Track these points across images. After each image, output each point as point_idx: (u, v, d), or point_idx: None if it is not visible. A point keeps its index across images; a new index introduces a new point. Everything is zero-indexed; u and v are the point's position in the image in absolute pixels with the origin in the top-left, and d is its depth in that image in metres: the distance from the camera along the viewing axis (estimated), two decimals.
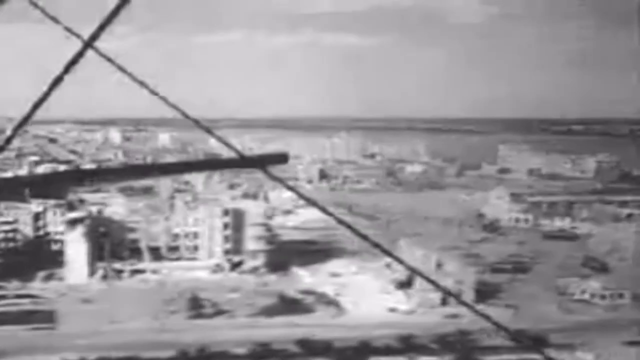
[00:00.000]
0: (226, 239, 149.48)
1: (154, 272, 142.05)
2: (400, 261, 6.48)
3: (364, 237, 6.07)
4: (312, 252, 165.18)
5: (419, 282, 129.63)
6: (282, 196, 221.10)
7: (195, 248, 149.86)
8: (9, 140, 5.69)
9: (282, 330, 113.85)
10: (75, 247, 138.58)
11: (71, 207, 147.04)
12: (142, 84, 5.77)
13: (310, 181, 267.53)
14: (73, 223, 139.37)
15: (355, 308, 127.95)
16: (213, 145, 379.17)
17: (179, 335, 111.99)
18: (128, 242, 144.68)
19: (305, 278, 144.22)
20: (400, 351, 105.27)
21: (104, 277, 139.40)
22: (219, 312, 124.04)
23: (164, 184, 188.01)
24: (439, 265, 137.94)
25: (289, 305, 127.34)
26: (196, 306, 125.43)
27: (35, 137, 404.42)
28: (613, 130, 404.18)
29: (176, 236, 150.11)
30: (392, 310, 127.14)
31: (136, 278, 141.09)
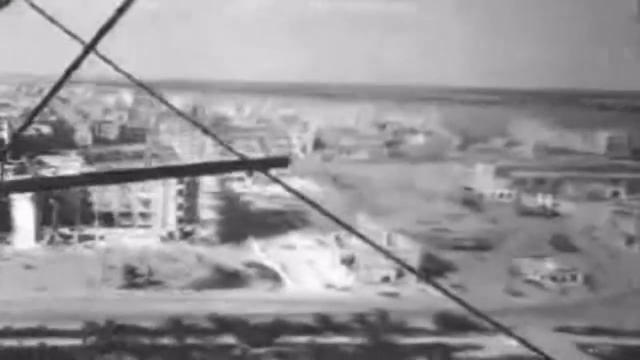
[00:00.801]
0: (180, 207, 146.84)
1: (102, 238, 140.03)
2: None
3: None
4: (276, 223, 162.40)
5: (363, 259, 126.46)
6: None
7: (149, 215, 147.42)
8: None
9: (206, 304, 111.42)
10: (23, 211, 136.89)
11: (23, 170, 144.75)
12: None
13: (303, 149, 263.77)
14: None
15: (294, 283, 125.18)
16: (223, 110, 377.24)
17: (103, 305, 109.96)
18: (79, 207, 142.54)
19: (256, 250, 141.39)
20: (314, 330, 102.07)
21: (51, 242, 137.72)
22: (152, 283, 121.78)
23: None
24: (389, 242, 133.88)
25: (225, 278, 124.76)
26: (131, 276, 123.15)
27: (59, 98, 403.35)
28: (630, 104, 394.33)
29: (130, 203, 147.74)
30: (330, 286, 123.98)
31: (83, 244, 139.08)
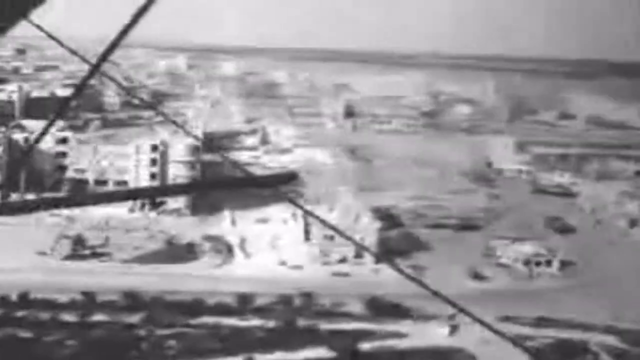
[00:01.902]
0: (153, 176, 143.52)
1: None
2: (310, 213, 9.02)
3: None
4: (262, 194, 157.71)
5: (317, 236, 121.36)
6: (282, 132, 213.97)
7: (124, 184, 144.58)
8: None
9: (136, 278, 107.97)
10: None
11: None
12: None
13: (334, 118, 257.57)
14: None
15: (246, 259, 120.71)
16: (275, 76, 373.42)
17: (30, 276, 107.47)
18: (49, 172, 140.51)
19: (226, 222, 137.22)
20: (233, 312, 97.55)
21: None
22: (96, 255, 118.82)
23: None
24: (356, 219, 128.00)
25: (176, 252, 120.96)
26: (80, 247, 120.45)
27: (111, 61, 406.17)
28: None
29: (105, 170, 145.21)
30: (282, 263, 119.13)
31: (50, 212, 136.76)
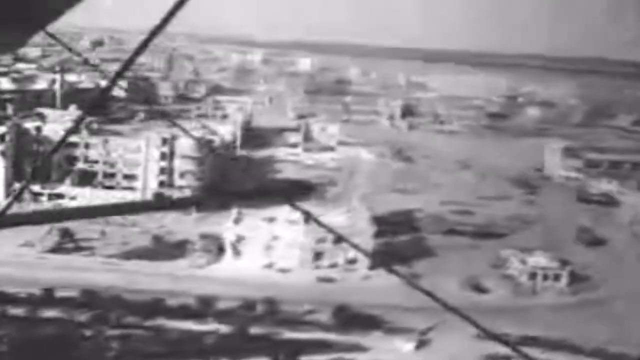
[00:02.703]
0: (162, 171, 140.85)
1: (73, 198, 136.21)
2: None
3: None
4: (279, 193, 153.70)
5: (313, 239, 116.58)
6: (328, 130, 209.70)
7: (134, 178, 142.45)
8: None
9: (105, 275, 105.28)
10: None
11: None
12: None
13: (391, 117, 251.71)
14: None
15: (235, 260, 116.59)
16: (349, 73, 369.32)
17: (11, 268, 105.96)
18: (57, 163, 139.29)
19: (229, 220, 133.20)
20: (192, 315, 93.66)
21: (20, 199, 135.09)
22: (81, 249, 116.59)
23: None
24: (359, 223, 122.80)
25: (161, 249, 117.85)
26: (67, 239, 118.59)
27: (185, 55, 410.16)
28: None
29: (114, 163, 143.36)
30: (269, 266, 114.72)
31: (53, 203, 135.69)
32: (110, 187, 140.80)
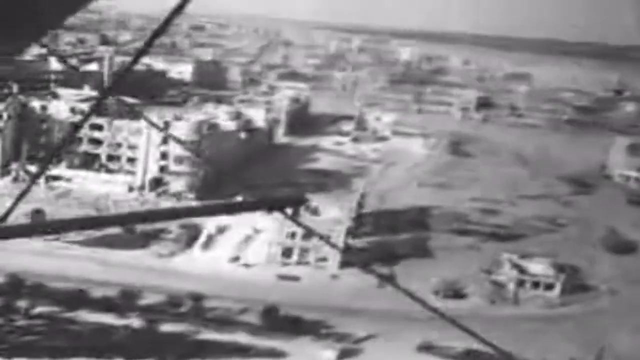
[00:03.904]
0: (163, 156, 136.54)
1: (69, 180, 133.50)
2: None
3: None
4: (294, 183, 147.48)
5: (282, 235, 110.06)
6: (382, 121, 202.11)
7: (133, 161, 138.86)
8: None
9: (62, 262, 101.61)
10: None
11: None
12: None
13: (465, 109, 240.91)
14: None
15: (202, 252, 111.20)
16: (452, 62, 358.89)
17: None
18: (58, 143, 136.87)
19: None
20: (112, 308, 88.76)
21: (15, 179, 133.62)
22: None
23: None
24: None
25: (126, 237, 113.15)
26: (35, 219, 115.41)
27: (285, 41, 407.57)
28: None
29: (118, 145, 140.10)
30: (234, 260, 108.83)
31: (49, 185, 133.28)
32: (112, 171, 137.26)
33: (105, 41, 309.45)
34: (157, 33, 4.16)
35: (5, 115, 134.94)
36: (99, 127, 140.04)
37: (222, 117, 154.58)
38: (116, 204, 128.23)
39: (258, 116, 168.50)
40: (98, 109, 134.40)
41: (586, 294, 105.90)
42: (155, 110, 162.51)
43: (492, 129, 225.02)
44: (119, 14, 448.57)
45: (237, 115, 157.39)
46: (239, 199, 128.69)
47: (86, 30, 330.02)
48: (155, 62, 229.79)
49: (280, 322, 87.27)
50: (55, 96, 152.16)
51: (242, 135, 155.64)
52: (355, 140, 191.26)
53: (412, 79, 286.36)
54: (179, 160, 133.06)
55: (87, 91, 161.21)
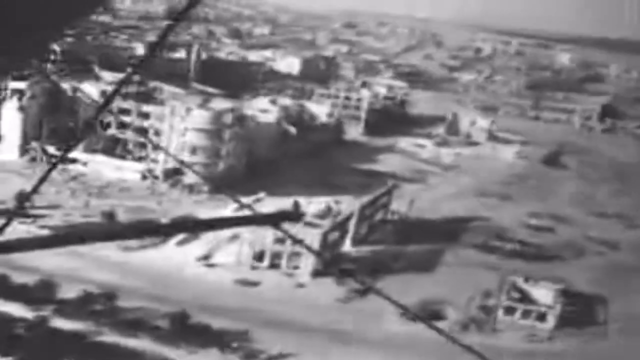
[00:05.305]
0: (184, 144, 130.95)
1: (85, 164, 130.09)
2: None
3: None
4: (331, 183, 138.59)
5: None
6: (476, 125, 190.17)
7: (158, 149, 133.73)
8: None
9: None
10: (10, 123, 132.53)
11: (19, 77, 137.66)
12: None
13: (587, 117, 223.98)
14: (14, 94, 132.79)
15: (175, 248, 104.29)
16: (611, 72, 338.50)
17: None
18: (88, 125, 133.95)
19: (229, 207, 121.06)
20: (28, 300, 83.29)
21: (33, 159, 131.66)
22: (30, 216, 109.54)
23: None
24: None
25: (104, 227, 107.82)
26: (22, 204, 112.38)
27: (436, 42, 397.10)
28: None
29: (145, 130, 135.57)
30: (202, 259, 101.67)
31: (63, 167, 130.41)
32: (130, 158, 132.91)
33: (234, 35, 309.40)
34: (166, 33, 4.24)
35: (28, 94, 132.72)
36: (127, 112, 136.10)
37: (272, 109, 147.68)
38: (123, 192, 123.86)
39: (321, 111, 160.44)
40: (121, 92, 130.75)
41: (587, 330, 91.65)
42: (221, 99, 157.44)
43: (608, 141, 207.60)
44: (277, 9, 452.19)
45: (287, 109, 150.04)
46: (251, 199, 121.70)
47: (218, 23, 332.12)
48: (260, 54, 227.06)
49: (188, 329, 79.11)
50: (98, 79, 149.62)
51: (291, 129, 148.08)
52: (441, 143, 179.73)
53: (555, 86, 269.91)
54: (193, 150, 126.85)
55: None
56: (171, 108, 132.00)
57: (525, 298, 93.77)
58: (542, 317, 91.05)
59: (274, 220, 5.22)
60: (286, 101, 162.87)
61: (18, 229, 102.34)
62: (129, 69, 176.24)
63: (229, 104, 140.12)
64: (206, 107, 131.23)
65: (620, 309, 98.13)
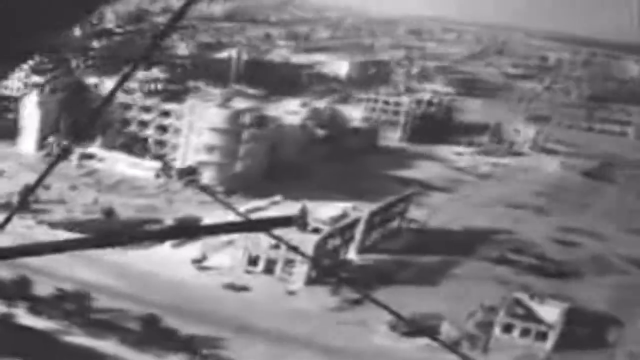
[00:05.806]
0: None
1: (101, 160, 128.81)
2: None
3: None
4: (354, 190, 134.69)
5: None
6: (521, 134, 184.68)
7: (175, 148, 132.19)
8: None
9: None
10: (29, 117, 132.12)
11: (40, 71, 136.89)
12: None
13: None
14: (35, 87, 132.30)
15: (171, 249, 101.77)
16: None
17: None
18: (107, 123, 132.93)
19: (240, 209, 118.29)
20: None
21: (48, 154, 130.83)
22: (36, 212, 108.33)
23: None
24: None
25: (101, 225, 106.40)
26: (25, 203, 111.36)
27: (500, 49, 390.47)
28: None
29: (164, 129, 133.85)
30: (196, 262, 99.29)
31: (79, 162, 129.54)
32: (148, 156, 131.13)
33: (290, 37, 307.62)
34: (163, 33, 4.24)
35: (47, 89, 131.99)
36: (148, 109, 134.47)
37: (300, 111, 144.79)
38: (134, 189, 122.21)
39: (356, 115, 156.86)
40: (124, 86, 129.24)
41: (591, 352, 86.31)
42: (243, 99, 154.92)
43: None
44: (345, 14, 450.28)
45: (317, 112, 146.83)
46: (261, 202, 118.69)
47: (279, 25, 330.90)
48: (311, 57, 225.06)
49: (158, 333, 76.36)
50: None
51: (319, 132, 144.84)
52: (482, 152, 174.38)
53: (618, 97, 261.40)
54: (210, 149, 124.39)
55: (155, 72, 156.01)
56: (190, 106, 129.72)
57: (529, 316, 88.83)
58: (542, 336, 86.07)
59: (264, 226, 5.02)
60: (320, 104, 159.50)
61: (16, 224, 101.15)
62: (131, 65, 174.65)
63: (249, 104, 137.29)
64: (225, 105, 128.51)
65: (636, 332, 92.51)
